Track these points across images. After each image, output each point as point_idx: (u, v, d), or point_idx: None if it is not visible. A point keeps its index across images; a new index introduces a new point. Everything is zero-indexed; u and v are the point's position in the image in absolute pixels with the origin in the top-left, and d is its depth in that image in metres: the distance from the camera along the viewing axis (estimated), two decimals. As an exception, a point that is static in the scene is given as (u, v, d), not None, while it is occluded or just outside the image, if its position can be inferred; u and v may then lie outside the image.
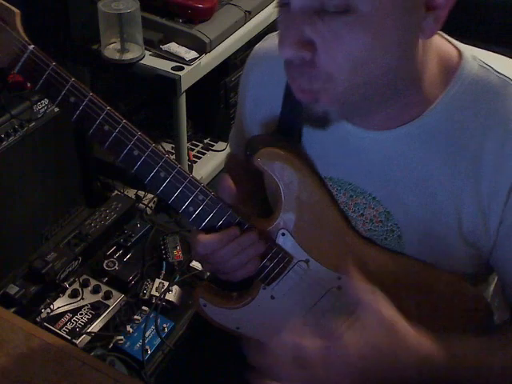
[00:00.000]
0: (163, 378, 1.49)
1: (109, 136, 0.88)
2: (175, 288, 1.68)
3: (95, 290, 1.65)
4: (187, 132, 2.11)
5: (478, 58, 0.85)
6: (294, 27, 0.73)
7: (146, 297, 1.66)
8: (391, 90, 0.79)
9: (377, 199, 0.90)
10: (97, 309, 1.61)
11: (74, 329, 1.56)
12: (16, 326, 1.09)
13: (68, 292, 1.65)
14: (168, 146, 2.34)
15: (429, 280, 0.93)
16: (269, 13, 2.19)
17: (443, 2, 0.73)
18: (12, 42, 0.84)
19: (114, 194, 2.11)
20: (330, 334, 0.79)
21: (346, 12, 0.70)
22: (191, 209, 0.91)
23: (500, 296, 1.01)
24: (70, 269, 1.70)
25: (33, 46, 0.85)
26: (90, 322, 1.58)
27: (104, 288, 1.66)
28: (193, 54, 1.94)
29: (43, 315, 1.58)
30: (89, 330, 1.56)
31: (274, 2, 0.79)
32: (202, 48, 1.95)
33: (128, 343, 1.55)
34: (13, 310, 1.56)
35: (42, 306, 1.60)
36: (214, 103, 2.32)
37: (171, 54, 1.94)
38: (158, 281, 1.70)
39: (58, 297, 1.64)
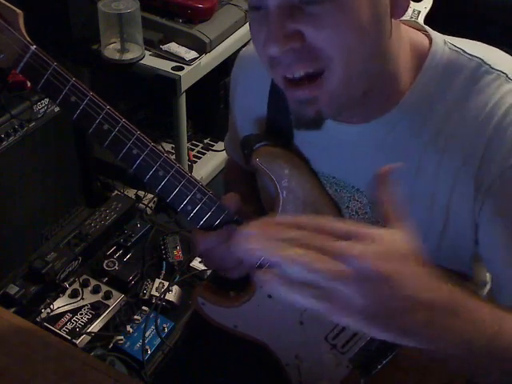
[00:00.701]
0: (163, 378, 1.49)
1: (108, 135, 0.88)
2: (175, 288, 1.68)
3: (95, 290, 1.65)
4: (187, 132, 2.11)
5: (448, 41, 0.85)
6: (276, 24, 0.73)
7: (146, 297, 1.66)
8: (374, 79, 0.80)
9: (360, 191, 0.91)
10: (97, 309, 1.61)
11: (74, 329, 1.56)
12: (16, 325, 1.09)
13: (68, 292, 1.65)
14: (168, 146, 2.34)
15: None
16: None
17: None
18: (14, 42, 0.85)
19: (114, 194, 2.11)
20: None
21: (322, 1, 0.71)
22: (189, 207, 0.91)
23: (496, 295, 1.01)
24: (70, 269, 1.70)
25: (35, 46, 0.86)
26: (90, 322, 1.58)
27: (104, 288, 1.66)
28: (193, 54, 1.94)
29: (43, 315, 1.58)
30: (89, 330, 1.56)
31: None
32: (202, 48, 1.95)
33: (128, 343, 1.55)
34: (13, 310, 1.55)
35: (42, 306, 1.60)
36: (214, 103, 2.32)
37: (171, 53, 1.94)
38: (157, 281, 1.70)
39: (58, 297, 1.64)
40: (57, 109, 1.72)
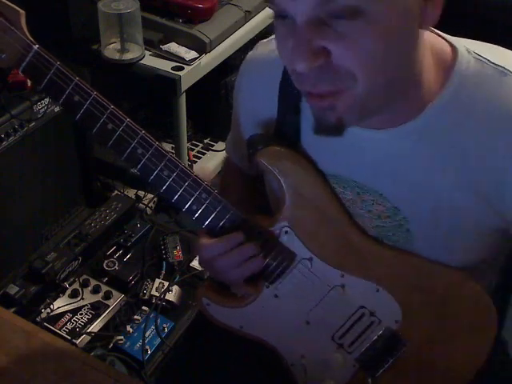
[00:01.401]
0: (163, 378, 1.49)
1: (113, 134, 0.88)
2: (175, 288, 1.68)
3: (95, 290, 1.65)
4: (187, 132, 2.11)
5: (471, 50, 0.85)
6: (304, 39, 0.72)
7: (146, 297, 1.66)
8: (395, 90, 0.80)
9: (383, 196, 0.91)
10: (97, 309, 1.61)
11: (74, 329, 1.56)
12: (16, 326, 1.09)
13: (68, 292, 1.65)
14: (168, 146, 2.34)
15: (433, 276, 0.94)
16: (269, 13, 2.19)
17: None
18: (17, 41, 0.85)
19: (114, 194, 2.10)
20: None
21: (353, 16, 0.69)
22: (194, 207, 0.91)
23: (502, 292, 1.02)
24: (70, 269, 1.70)
25: (37, 45, 0.86)
26: (90, 322, 1.58)
27: (104, 288, 1.66)
28: (193, 54, 1.94)
29: (43, 315, 1.58)
30: (89, 330, 1.56)
31: (271, 14, 0.79)
32: (201, 48, 1.95)
33: (128, 343, 1.55)
34: (13, 310, 1.55)
35: (42, 306, 1.60)
36: (214, 103, 2.31)
37: (171, 54, 1.94)
38: (157, 281, 1.70)
39: (58, 297, 1.64)
40: (57, 109, 1.72)
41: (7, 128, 1.60)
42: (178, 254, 1.79)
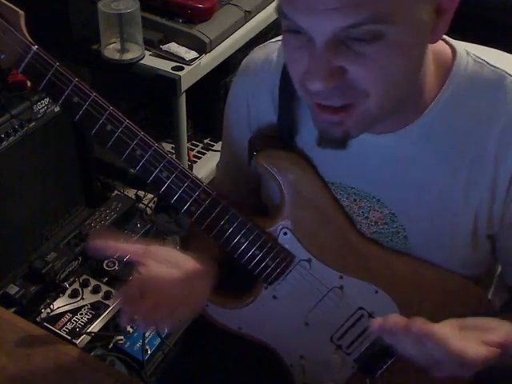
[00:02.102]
0: (163, 378, 1.49)
1: (111, 136, 0.88)
2: (175, 288, 1.68)
3: (95, 290, 1.65)
4: (187, 132, 2.11)
5: (471, 53, 0.85)
6: (322, 60, 0.71)
7: (146, 297, 1.66)
8: (403, 98, 0.79)
9: (381, 201, 0.90)
10: (97, 309, 1.61)
11: (74, 329, 1.55)
12: (16, 326, 1.09)
13: (68, 292, 1.65)
14: (168, 146, 2.34)
15: (432, 279, 0.94)
16: (269, 13, 2.18)
17: (449, 4, 0.74)
18: (16, 42, 0.85)
19: (114, 194, 2.10)
20: None
21: (374, 40, 0.69)
22: (193, 208, 0.91)
23: (501, 296, 1.01)
24: (70, 269, 1.70)
25: (36, 46, 0.86)
26: (90, 321, 1.58)
27: (104, 288, 1.66)
28: (193, 54, 1.94)
29: (43, 315, 1.58)
30: (89, 330, 1.56)
31: (282, 28, 0.76)
32: (201, 48, 1.95)
33: (128, 343, 1.55)
34: (13, 310, 1.55)
35: (42, 306, 1.60)
36: (214, 103, 2.31)
37: (171, 53, 1.94)
38: (158, 281, 1.70)
39: (58, 297, 1.64)
40: (57, 109, 1.72)
41: (7, 128, 1.60)
42: (177, 254, 1.79)
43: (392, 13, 0.67)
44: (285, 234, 0.93)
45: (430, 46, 0.81)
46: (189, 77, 1.91)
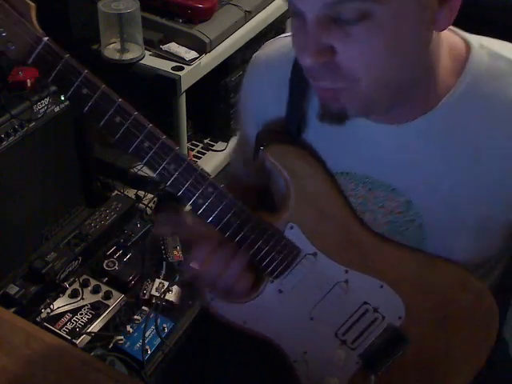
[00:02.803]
0: (163, 378, 1.49)
1: (120, 128, 0.88)
2: (175, 288, 1.68)
3: (95, 290, 1.65)
4: (187, 132, 2.11)
5: (485, 45, 0.86)
6: (312, 36, 0.74)
7: (146, 297, 1.66)
8: (409, 85, 0.81)
9: (396, 190, 0.91)
10: (97, 309, 1.61)
11: (74, 329, 1.55)
12: (16, 326, 1.09)
13: (68, 292, 1.65)
14: (168, 146, 2.34)
15: (438, 273, 0.94)
16: (269, 13, 2.19)
17: None
18: (27, 33, 0.85)
19: (114, 194, 2.10)
20: None
21: (361, 19, 0.71)
22: (200, 201, 0.91)
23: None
24: (70, 269, 1.70)
25: (47, 38, 0.86)
26: (90, 322, 1.58)
27: (104, 288, 1.66)
28: (193, 54, 1.94)
29: (43, 315, 1.58)
30: (89, 330, 1.56)
31: (287, 10, 0.80)
32: (202, 48, 1.95)
33: (128, 343, 1.55)
34: (13, 310, 1.55)
35: (42, 306, 1.60)
36: (214, 103, 2.31)
37: (171, 54, 1.94)
38: (157, 281, 1.70)
39: (58, 297, 1.64)
40: (57, 109, 1.72)
41: (7, 128, 1.60)
42: (177, 254, 1.79)
43: None
44: (291, 228, 0.93)
45: (444, 39, 0.82)
46: (189, 77, 1.91)
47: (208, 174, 0.91)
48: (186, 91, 1.94)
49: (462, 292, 0.95)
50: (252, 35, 2.12)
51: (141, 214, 1.98)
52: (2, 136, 1.59)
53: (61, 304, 1.61)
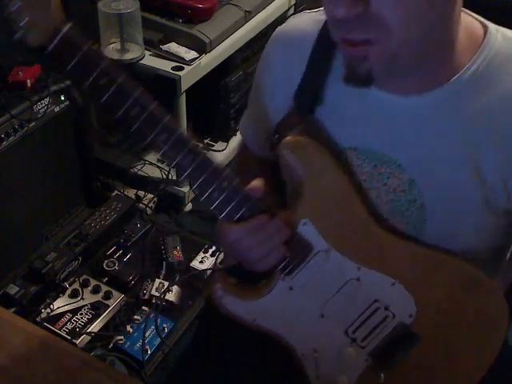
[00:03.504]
0: (163, 378, 1.49)
1: (136, 120, 0.87)
2: (175, 288, 1.68)
3: (95, 290, 1.65)
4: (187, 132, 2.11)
5: (500, 30, 0.88)
6: None
7: (146, 297, 1.66)
8: (427, 52, 0.82)
9: (402, 167, 0.91)
10: (97, 309, 1.61)
11: (74, 329, 1.56)
12: (16, 326, 1.09)
13: (68, 292, 1.65)
14: (168, 146, 2.34)
15: (450, 271, 0.94)
16: (269, 13, 2.19)
17: None
18: (49, 19, 0.83)
19: (114, 194, 2.10)
20: None
21: None
22: (215, 195, 0.90)
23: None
24: (70, 269, 1.70)
25: (70, 24, 0.84)
26: (90, 321, 1.58)
27: (104, 288, 1.66)
28: (193, 54, 1.94)
29: (43, 315, 1.58)
30: (89, 330, 1.56)
31: None
32: (202, 48, 1.95)
33: (128, 343, 1.55)
34: (13, 310, 1.56)
35: (42, 306, 1.61)
36: (213, 103, 2.31)
37: (171, 54, 1.94)
38: (157, 281, 1.70)
39: (58, 297, 1.64)
40: (57, 109, 1.72)
41: (7, 128, 1.60)
42: (177, 253, 1.79)
43: None
44: (304, 224, 0.93)
45: (463, 19, 0.84)
46: (189, 77, 1.91)
47: (223, 168, 0.90)
48: (186, 91, 1.94)
49: (474, 290, 0.94)
50: (252, 35, 2.12)
51: (141, 214, 1.98)
52: (2, 136, 1.59)
53: (61, 304, 1.62)
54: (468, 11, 0.89)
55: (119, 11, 1.85)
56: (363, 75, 0.82)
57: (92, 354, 1.50)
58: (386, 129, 0.90)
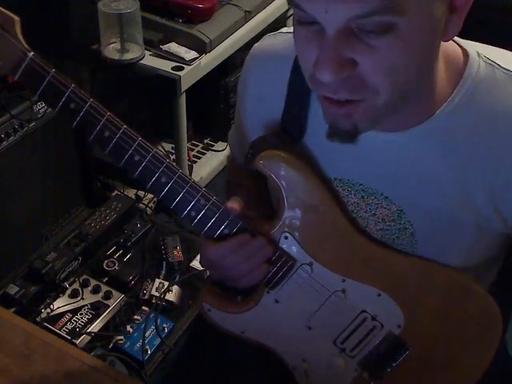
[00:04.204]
0: (163, 378, 1.49)
1: (109, 142, 0.88)
2: (175, 288, 1.68)
3: (95, 290, 1.65)
4: (187, 132, 2.11)
5: (482, 54, 0.85)
6: (332, 50, 0.71)
7: (146, 297, 1.66)
8: (410, 96, 0.79)
9: (389, 198, 0.90)
10: (97, 309, 1.61)
11: (74, 329, 1.56)
12: (16, 326, 1.09)
13: (68, 292, 1.65)
14: (168, 146, 2.34)
15: (436, 280, 0.93)
16: (269, 13, 2.19)
17: (463, 2, 0.74)
18: (12, 49, 0.83)
19: (114, 194, 2.10)
20: None
21: (385, 31, 0.69)
22: (193, 213, 0.90)
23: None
24: (70, 269, 1.70)
25: (32, 53, 0.84)
26: (90, 321, 1.58)
27: (104, 288, 1.66)
28: (193, 54, 1.94)
29: (43, 315, 1.58)
30: (89, 330, 1.56)
31: (293, 19, 0.76)
32: (202, 48, 1.95)
33: (128, 343, 1.55)
34: (13, 310, 1.55)
35: (42, 306, 1.60)
36: (214, 103, 2.31)
37: (171, 54, 1.94)
38: (157, 281, 1.70)
39: (58, 297, 1.64)
40: (57, 109, 1.72)
41: (7, 128, 1.60)
42: (178, 253, 1.79)
43: (403, 3, 0.67)
44: (285, 237, 0.92)
45: (442, 47, 0.81)
46: (189, 77, 1.91)
47: (200, 186, 0.90)
48: (186, 91, 1.94)
49: (463, 298, 0.94)
50: (252, 35, 2.12)
51: (141, 214, 1.98)
52: (2, 136, 1.59)
53: (61, 304, 1.62)
54: None
55: (119, 11, 1.85)
56: (348, 132, 0.80)
57: (92, 354, 1.50)
58: (370, 163, 0.89)
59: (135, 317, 1.62)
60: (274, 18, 2.21)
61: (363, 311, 0.96)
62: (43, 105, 1.68)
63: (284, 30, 1.00)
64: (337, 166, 0.92)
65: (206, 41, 1.94)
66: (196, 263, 1.78)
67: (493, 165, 0.84)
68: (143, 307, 1.64)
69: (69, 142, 1.84)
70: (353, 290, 0.94)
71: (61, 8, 1.84)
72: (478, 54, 0.85)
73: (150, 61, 1.93)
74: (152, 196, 2.18)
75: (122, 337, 1.56)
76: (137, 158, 0.88)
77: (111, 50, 1.93)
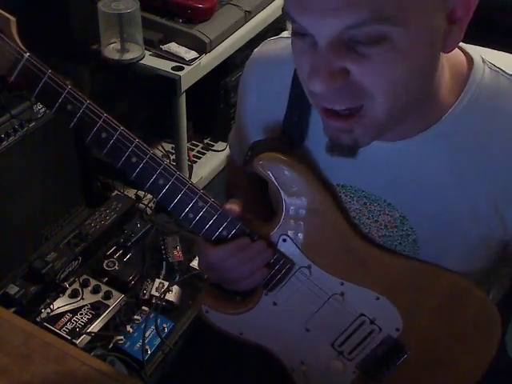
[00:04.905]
0: (163, 378, 1.49)
1: (106, 143, 0.87)
2: (175, 288, 1.68)
3: (95, 290, 1.65)
4: (187, 132, 2.11)
5: (487, 60, 0.84)
6: (323, 61, 0.71)
7: (146, 297, 1.66)
8: (412, 106, 0.79)
9: (392, 205, 0.90)
10: (97, 309, 1.61)
11: (73, 329, 1.55)
12: (16, 326, 1.09)
13: (68, 292, 1.65)
14: (168, 146, 2.34)
15: (435, 283, 0.93)
16: (269, 13, 2.19)
17: (463, 14, 0.73)
18: (8, 50, 0.82)
19: (114, 194, 2.10)
20: None
21: (378, 41, 0.68)
22: (191, 215, 0.90)
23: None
24: (70, 269, 1.70)
25: (28, 54, 0.83)
26: (90, 321, 1.58)
27: (104, 288, 1.66)
28: (193, 54, 1.94)
29: (43, 315, 1.58)
30: (89, 330, 1.56)
31: (290, 30, 0.76)
32: (202, 48, 1.95)
33: (128, 343, 1.55)
34: (13, 310, 1.55)
35: (42, 306, 1.60)
36: (214, 103, 2.31)
37: (171, 54, 1.94)
38: (157, 281, 1.70)
39: (58, 297, 1.64)
40: (57, 109, 1.72)
41: (7, 128, 1.60)
42: (178, 253, 1.79)
43: (396, 15, 0.67)
44: (284, 240, 0.92)
45: (446, 55, 0.80)
46: (189, 77, 1.91)
47: (198, 188, 0.90)
48: (186, 91, 1.94)
49: (462, 301, 0.94)
50: (252, 35, 2.12)
51: (141, 214, 1.98)
52: (2, 136, 1.59)
53: (61, 304, 1.61)
54: None
55: (119, 11, 1.85)
56: (348, 146, 0.79)
57: (92, 354, 1.50)
58: (372, 170, 0.89)
59: (135, 317, 1.62)
60: (274, 18, 2.21)
61: (361, 314, 0.95)
62: (43, 105, 1.68)
63: (285, 34, 1.00)
64: (338, 172, 0.91)
65: (206, 41, 1.94)
66: (196, 263, 1.78)
67: (496, 171, 0.84)
68: (143, 307, 1.64)
69: (69, 142, 1.84)
70: (351, 293, 0.94)
71: (61, 8, 1.84)
72: (483, 60, 0.84)
73: (150, 61, 1.93)
74: (152, 196, 2.18)
75: (122, 337, 1.56)
76: (134, 159, 0.88)
77: (111, 49, 1.93)
